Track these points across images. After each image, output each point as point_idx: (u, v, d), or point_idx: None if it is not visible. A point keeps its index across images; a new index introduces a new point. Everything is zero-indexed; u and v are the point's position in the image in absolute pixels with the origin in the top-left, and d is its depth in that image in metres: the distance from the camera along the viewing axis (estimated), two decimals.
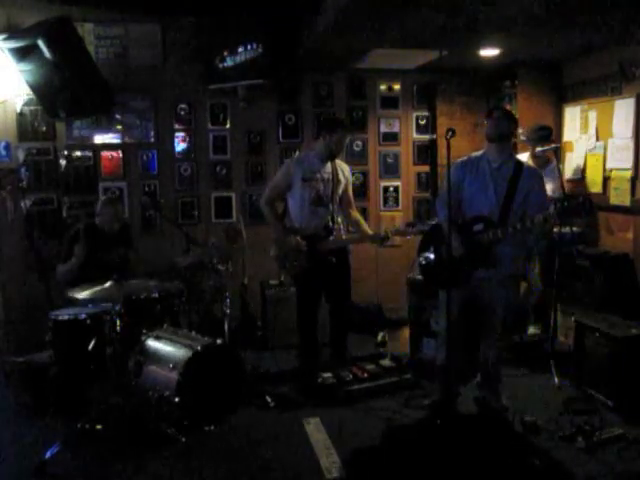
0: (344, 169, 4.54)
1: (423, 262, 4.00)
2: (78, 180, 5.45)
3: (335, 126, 4.36)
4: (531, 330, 5.22)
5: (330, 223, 4.44)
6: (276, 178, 4.51)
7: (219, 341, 3.87)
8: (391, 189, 6.20)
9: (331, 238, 4.42)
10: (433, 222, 4.17)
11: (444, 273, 3.65)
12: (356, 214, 4.69)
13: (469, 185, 3.73)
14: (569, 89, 5.70)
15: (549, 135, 5.07)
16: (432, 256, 3.93)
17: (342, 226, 4.66)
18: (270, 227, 4.53)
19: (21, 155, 5.29)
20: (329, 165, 4.40)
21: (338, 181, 4.45)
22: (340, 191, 4.50)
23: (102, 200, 4.78)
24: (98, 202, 4.75)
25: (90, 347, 3.72)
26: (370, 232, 4.61)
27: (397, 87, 6.13)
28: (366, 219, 5.34)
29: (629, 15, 3.98)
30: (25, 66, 4.73)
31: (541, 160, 5.04)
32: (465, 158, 3.82)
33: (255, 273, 5.60)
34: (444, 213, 3.78)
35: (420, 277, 4.56)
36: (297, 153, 5.55)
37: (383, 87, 6.10)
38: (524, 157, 4.94)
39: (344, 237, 4.69)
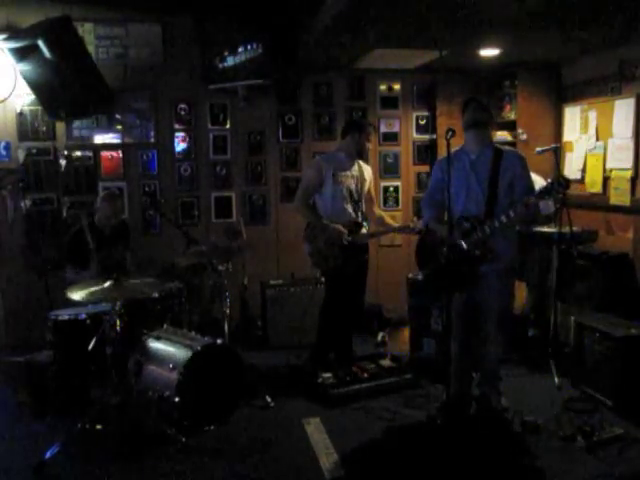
0: (367, 169, 4.68)
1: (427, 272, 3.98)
2: (78, 180, 5.44)
3: (365, 126, 4.55)
4: (531, 330, 5.21)
5: (359, 219, 4.53)
6: (306, 177, 4.58)
7: (219, 341, 3.87)
8: (391, 189, 6.20)
9: (363, 230, 4.52)
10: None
11: (448, 276, 3.63)
12: (379, 210, 4.86)
13: (453, 178, 3.69)
14: (569, 89, 5.69)
15: None
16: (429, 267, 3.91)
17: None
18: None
19: (21, 155, 5.28)
20: (356, 163, 4.55)
21: (364, 179, 4.58)
22: (365, 189, 4.62)
23: (101, 195, 4.76)
24: (97, 198, 4.73)
25: (90, 347, 3.71)
26: (397, 224, 4.78)
27: (397, 87, 6.13)
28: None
29: (629, 15, 3.98)
30: (25, 66, 4.73)
31: None
32: (451, 153, 3.82)
33: (255, 273, 5.60)
34: (429, 213, 3.87)
35: (420, 278, 4.57)
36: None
37: (383, 87, 6.10)
38: None
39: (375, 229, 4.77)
